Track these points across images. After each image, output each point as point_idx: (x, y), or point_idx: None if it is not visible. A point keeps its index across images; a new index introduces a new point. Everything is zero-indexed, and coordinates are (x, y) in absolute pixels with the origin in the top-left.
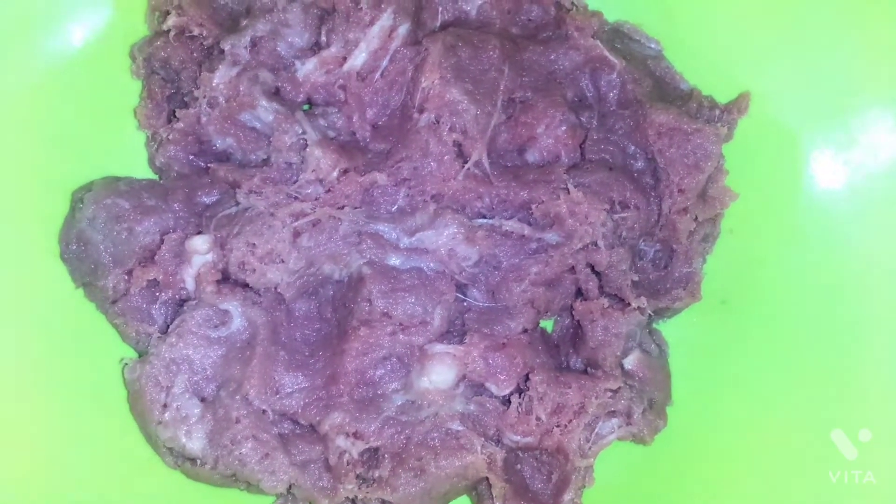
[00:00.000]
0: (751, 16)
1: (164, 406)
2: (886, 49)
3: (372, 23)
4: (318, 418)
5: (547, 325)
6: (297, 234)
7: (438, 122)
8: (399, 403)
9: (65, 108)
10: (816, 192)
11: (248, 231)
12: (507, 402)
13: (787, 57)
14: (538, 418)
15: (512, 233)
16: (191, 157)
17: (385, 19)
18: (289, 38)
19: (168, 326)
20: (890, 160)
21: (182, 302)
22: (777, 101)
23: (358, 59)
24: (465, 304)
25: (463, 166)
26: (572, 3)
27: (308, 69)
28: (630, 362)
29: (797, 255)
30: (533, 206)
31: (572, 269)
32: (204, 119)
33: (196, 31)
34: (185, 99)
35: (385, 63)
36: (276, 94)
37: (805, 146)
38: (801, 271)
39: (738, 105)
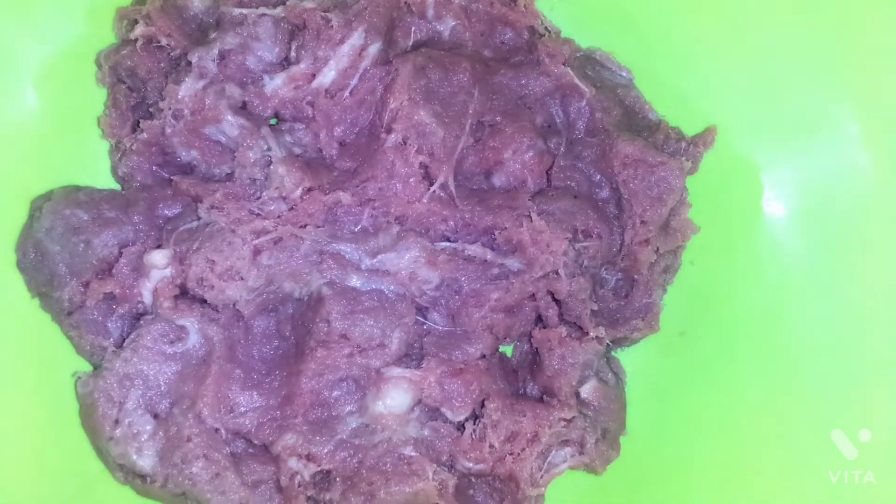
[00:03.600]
0: (720, 50)
1: (116, 422)
2: (846, 91)
3: (342, 41)
4: (271, 438)
5: (507, 349)
6: (257, 251)
7: (405, 144)
8: (353, 426)
9: (29, 114)
10: (775, 227)
11: (207, 247)
12: (461, 427)
13: (753, 92)
14: (491, 445)
15: (474, 257)
16: (154, 167)
17: (356, 38)
18: (258, 52)
19: (123, 340)
20: (845, 197)
21: (139, 316)
22: (740, 135)
23: (327, 76)
24: (424, 326)
25: (428, 188)
26: (545, 28)
27: (276, 84)
28: (586, 391)
29: (756, 289)
30: (496, 232)
31: (533, 297)
32: (168, 131)
33: (164, 42)
34: (151, 109)
35: (354, 81)
36: (242, 108)
37: (765, 181)
38: (759, 305)
39: (703, 138)
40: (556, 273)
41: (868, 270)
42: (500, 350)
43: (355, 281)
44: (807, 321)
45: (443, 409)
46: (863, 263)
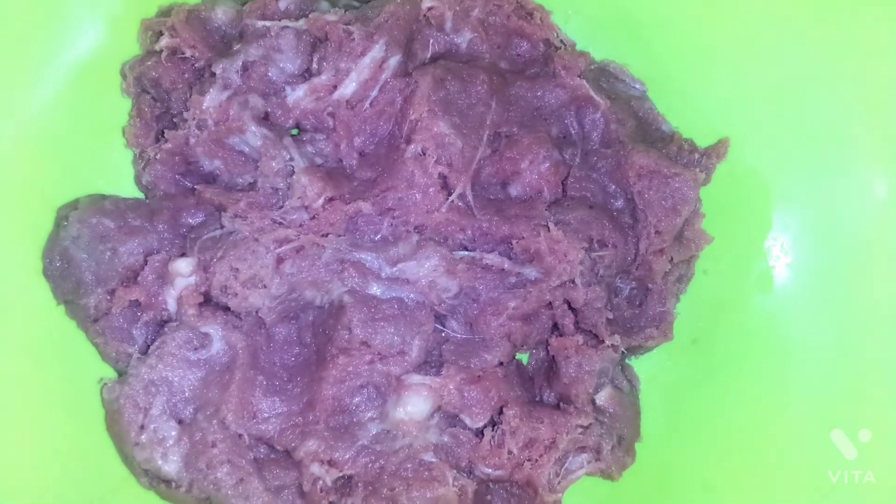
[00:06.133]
0: (733, 62)
1: (142, 427)
2: (859, 104)
3: (363, 53)
4: (293, 444)
5: (523, 357)
6: (280, 260)
7: (425, 154)
8: (374, 432)
9: (54, 124)
10: (785, 237)
11: (231, 255)
12: (480, 434)
13: (765, 104)
14: (510, 452)
15: (492, 266)
16: (177, 176)
17: (376, 50)
18: (280, 63)
19: (148, 347)
20: (854, 207)
21: (163, 323)
22: (753, 147)
23: (348, 87)
24: (443, 334)
25: (447, 198)
26: (561, 41)
27: (298, 95)
28: (601, 398)
29: (766, 298)
30: (514, 242)
31: (549, 305)
32: (192, 141)
33: (188, 53)
34: (175, 119)
35: (375, 93)
36: (265, 118)
37: (776, 193)
38: (769, 314)
39: (717, 150)
40: (573, 282)
41: (873, 276)
42: (516, 357)
43: (376, 289)
44: (810, 323)
45: (462, 416)
46: (866, 269)
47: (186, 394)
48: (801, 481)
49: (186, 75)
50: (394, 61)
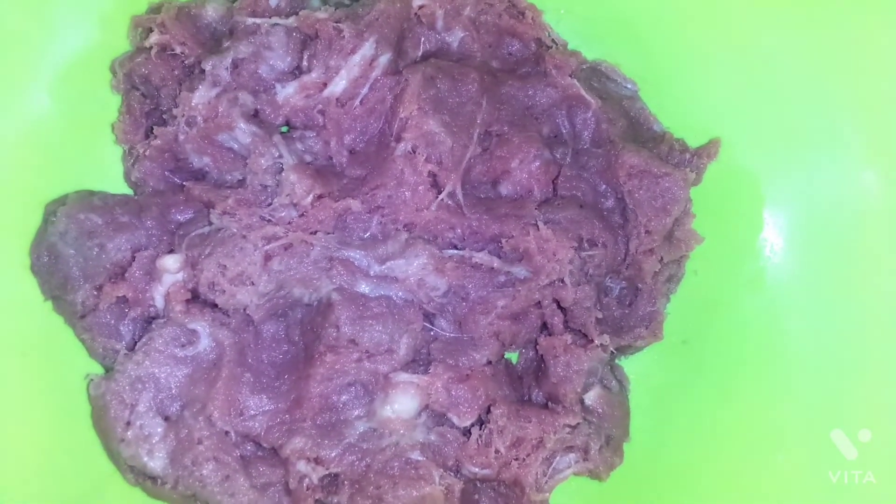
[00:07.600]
0: (724, 62)
1: (128, 424)
2: (849, 103)
3: (353, 51)
4: (280, 442)
5: (512, 356)
6: (268, 257)
7: (415, 152)
8: (361, 430)
9: (43, 120)
10: (777, 237)
11: (219, 252)
12: (467, 433)
13: (757, 104)
14: (497, 451)
15: (481, 265)
16: (167, 173)
17: (367, 48)
18: (270, 60)
19: (135, 343)
20: (846, 205)
21: (150, 319)
22: (744, 146)
23: (338, 85)
24: (431, 333)
25: (437, 197)
26: (552, 40)
27: (288, 92)
28: (590, 398)
29: (757, 298)
30: (503, 240)
31: (538, 304)
32: (181, 137)
33: (178, 50)
34: (164, 116)
35: (365, 91)
36: (254, 115)
37: (767, 192)
38: (761, 314)
39: (707, 150)
40: (562, 281)
41: (868, 275)
42: (505, 356)
43: (364, 287)
44: (808, 324)
45: (449, 415)
46: (862, 268)
47: (173, 390)
48: (801, 481)
49: (176, 72)
50: (384, 59)
